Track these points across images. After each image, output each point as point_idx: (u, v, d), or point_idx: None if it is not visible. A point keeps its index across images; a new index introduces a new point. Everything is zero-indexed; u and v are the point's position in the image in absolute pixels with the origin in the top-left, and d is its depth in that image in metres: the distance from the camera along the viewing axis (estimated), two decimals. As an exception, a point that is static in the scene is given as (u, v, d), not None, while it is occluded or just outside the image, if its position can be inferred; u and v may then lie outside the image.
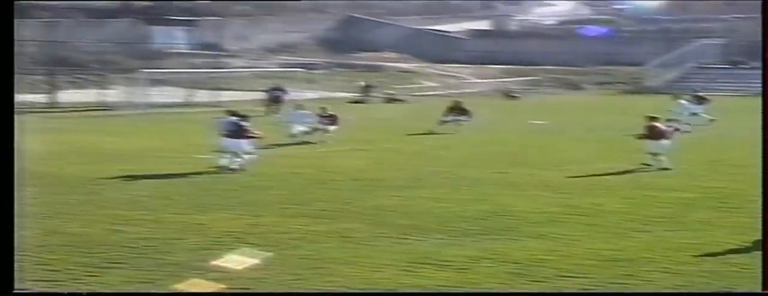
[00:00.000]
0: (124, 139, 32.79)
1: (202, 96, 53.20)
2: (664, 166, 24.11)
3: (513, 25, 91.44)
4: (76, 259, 13.48)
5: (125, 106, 46.92)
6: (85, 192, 19.93)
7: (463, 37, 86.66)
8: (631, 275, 12.94)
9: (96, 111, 47.38)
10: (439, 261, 13.54)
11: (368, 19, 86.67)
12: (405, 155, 28.10)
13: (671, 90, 47.74)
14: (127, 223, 16.34)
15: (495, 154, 28.07)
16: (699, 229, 16.21)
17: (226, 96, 51.38)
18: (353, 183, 21.78)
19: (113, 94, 51.09)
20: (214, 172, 23.10)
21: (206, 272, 12.88)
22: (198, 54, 61.56)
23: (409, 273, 12.96)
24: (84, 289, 12.14)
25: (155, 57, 58.59)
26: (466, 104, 37.79)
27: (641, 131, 25.11)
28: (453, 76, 72.83)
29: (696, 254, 14.19)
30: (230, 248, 14.34)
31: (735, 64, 68.36)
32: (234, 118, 25.01)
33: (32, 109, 47.00)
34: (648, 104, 37.47)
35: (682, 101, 37.72)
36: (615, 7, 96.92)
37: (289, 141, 30.72)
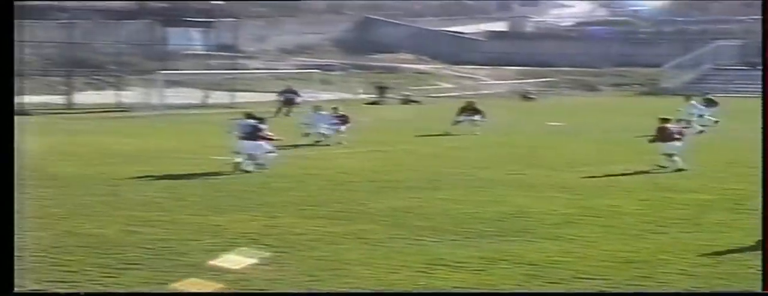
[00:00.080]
0: (140, 140, 32.88)
1: (219, 97, 53.31)
2: (679, 167, 24.07)
3: (529, 27, 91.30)
4: (93, 260, 13.52)
5: (142, 108, 47.05)
6: (102, 193, 19.99)
7: (480, 38, 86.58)
8: (648, 276, 12.91)
9: (113, 112, 47.54)
10: (455, 263, 13.53)
11: (385, 21, 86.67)
12: (421, 156, 28.10)
13: (688, 91, 47.58)
14: (144, 224, 16.37)
15: (511, 156, 28.04)
16: (716, 231, 16.16)
17: (242, 97, 51.52)
18: (369, 184, 21.79)
19: (130, 96, 51.25)
20: (231, 174, 23.13)
21: (222, 273, 12.90)
22: (215, 55, 61.59)
23: (425, 274, 12.95)
24: (100, 290, 12.18)
25: (172, 58, 58.68)
26: (479, 104, 37.84)
27: (656, 133, 25.10)
28: (469, 78, 72.76)
29: (713, 256, 14.15)
30: (246, 249, 14.36)
31: (752, 65, 68.11)
32: (251, 120, 25.08)
33: (50, 110, 47.24)
34: (664, 106, 37.38)
35: (694, 102, 37.87)
36: (631, 8, 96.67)
37: (305, 142, 30.74)
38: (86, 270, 12.92)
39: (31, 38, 54.24)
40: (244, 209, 18.13)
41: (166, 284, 12.40)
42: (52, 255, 13.77)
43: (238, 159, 23.75)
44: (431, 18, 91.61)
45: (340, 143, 30.96)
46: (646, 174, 23.56)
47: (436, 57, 79.63)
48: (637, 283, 12.63)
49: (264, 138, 24.32)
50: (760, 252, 14.09)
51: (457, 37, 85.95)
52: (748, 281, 12.64)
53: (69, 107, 49.65)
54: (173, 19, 62.54)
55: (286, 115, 43.53)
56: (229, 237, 15.32)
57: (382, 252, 14.30)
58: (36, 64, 55.77)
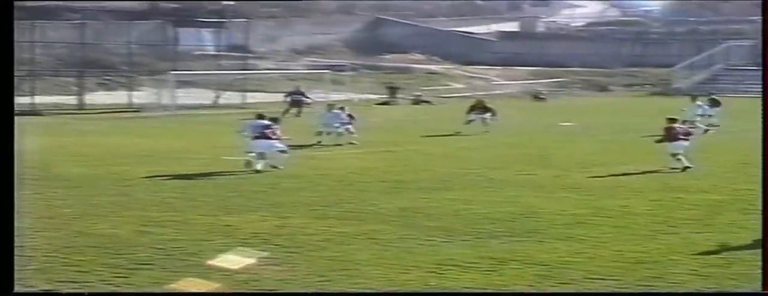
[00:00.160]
0: (152, 140, 32.95)
1: (230, 98, 53.37)
2: (685, 165, 24.07)
3: (540, 27, 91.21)
4: (104, 260, 13.55)
5: (153, 108, 47.14)
6: (114, 194, 20.04)
7: (491, 38, 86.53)
8: (659, 277, 12.90)
9: (124, 113, 47.63)
10: (466, 263, 13.53)
11: (395, 21, 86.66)
12: (432, 156, 28.10)
13: (698, 92, 47.55)
14: (156, 225, 16.41)
15: (522, 156, 28.02)
16: (727, 232, 16.13)
17: (253, 98, 51.58)
18: (380, 184, 21.81)
19: (141, 96, 51.34)
20: (241, 174, 23.18)
21: (233, 273, 12.92)
22: (226, 56, 61.67)
23: (436, 274, 12.95)
24: (111, 290, 12.21)
25: (183, 59, 58.77)
26: (489, 103, 37.89)
27: (663, 133, 25.15)
28: (480, 78, 72.72)
29: (724, 256, 14.13)
30: (258, 249, 14.38)
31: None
32: (264, 120, 25.17)
33: (61, 110, 47.36)
34: (676, 106, 37.35)
35: (699, 103, 38.04)
36: (643, 8, 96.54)
37: (314, 143, 30.76)
38: (98, 271, 12.95)
39: (43, 39, 54.43)
40: (254, 209, 18.16)
41: (178, 284, 12.43)
42: (63, 255, 13.81)
43: (251, 159, 23.85)
44: (442, 18, 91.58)
45: (351, 143, 31.00)
46: (657, 175, 23.52)
47: (447, 57, 79.59)
48: (648, 283, 12.62)
49: (277, 137, 24.38)
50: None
51: (468, 37, 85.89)
52: (760, 282, 12.61)
53: (80, 107, 49.75)
54: (184, 19, 62.63)
55: (297, 115, 43.55)
56: (240, 238, 15.35)
57: (393, 252, 14.31)
58: (48, 65, 55.93)
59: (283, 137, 24.83)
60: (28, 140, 26.83)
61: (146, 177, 22.57)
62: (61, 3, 62.70)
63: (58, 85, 54.10)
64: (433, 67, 75.67)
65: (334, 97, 48.40)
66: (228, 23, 61.76)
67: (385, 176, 23.24)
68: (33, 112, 44.86)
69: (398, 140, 32.76)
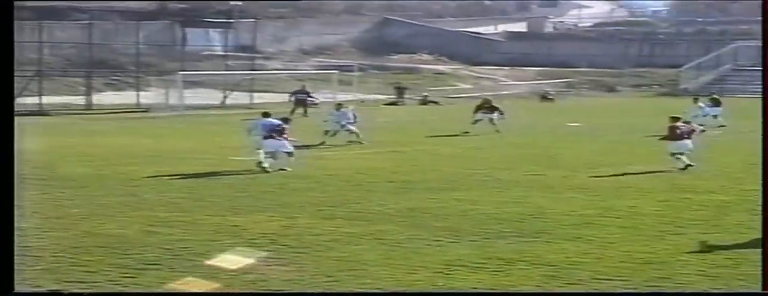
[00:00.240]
0: (159, 140, 32.99)
1: (238, 98, 53.42)
2: (687, 164, 24.09)
3: (548, 27, 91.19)
4: (113, 261, 13.56)
5: (161, 108, 47.19)
6: (121, 194, 20.06)
7: (498, 39, 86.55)
8: (667, 278, 12.88)
9: (132, 113, 47.70)
10: (473, 264, 13.52)
11: (403, 21, 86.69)
12: (439, 157, 28.10)
13: (707, 92, 47.56)
14: (163, 225, 16.42)
15: (530, 156, 28.01)
16: (735, 232, 16.11)
17: (261, 98, 51.60)
18: (387, 185, 21.81)
19: (149, 96, 51.42)
20: (249, 174, 23.21)
21: (240, 273, 12.93)
22: (233, 56, 61.75)
23: (443, 275, 12.95)
24: (119, 290, 12.23)
25: (191, 59, 58.86)
26: (498, 104, 37.86)
27: (667, 131, 25.18)
28: (488, 78, 72.74)
29: (732, 257, 14.10)
30: (265, 249, 14.39)
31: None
32: (274, 120, 25.21)
33: (70, 110, 47.44)
34: (683, 106, 37.35)
35: (701, 104, 38.14)
36: (651, 8, 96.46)
37: (320, 143, 30.76)
38: (105, 271, 12.96)
39: (51, 39, 54.55)
40: (262, 209, 18.17)
41: (186, 284, 12.43)
42: (71, 255, 13.83)
43: (261, 159, 23.91)
44: (450, 18, 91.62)
45: (356, 142, 31.04)
46: (665, 175, 23.49)
47: (454, 57, 79.63)
48: (656, 284, 12.60)
49: (286, 138, 24.40)
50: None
51: (476, 37, 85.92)
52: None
53: (88, 108, 49.86)
54: (192, 19, 62.76)
55: (304, 115, 43.55)
56: (247, 238, 15.36)
57: (400, 252, 14.31)
58: (56, 65, 56.04)
59: (290, 139, 24.84)
60: (37, 140, 26.92)
61: (154, 178, 22.60)
62: (69, 3, 62.80)
63: (67, 86, 54.23)
64: (440, 68, 75.71)
65: (342, 97, 48.41)
66: (236, 23, 61.85)
67: (393, 176, 23.24)
68: (41, 112, 44.98)
69: (406, 140, 32.77)
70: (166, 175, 22.93)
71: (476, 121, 36.21)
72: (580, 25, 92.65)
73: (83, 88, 52.28)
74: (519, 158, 27.59)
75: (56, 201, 18.80)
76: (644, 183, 22.16)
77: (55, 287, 12.08)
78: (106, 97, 52.99)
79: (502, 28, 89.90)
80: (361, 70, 66.78)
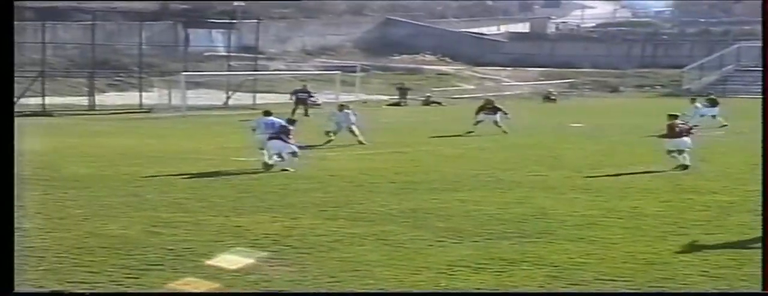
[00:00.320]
0: (162, 141, 33.00)
1: (241, 98, 53.46)
2: (684, 164, 24.10)
3: (551, 28, 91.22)
4: (115, 261, 13.56)
5: (164, 109, 47.23)
6: (124, 194, 20.06)
7: (501, 39, 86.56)
8: (670, 278, 12.87)
9: (135, 113, 47.73)
10: (476, 264, 13.52)
11: (406, 22, 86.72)
12: (442, 157, 28.09)
13: (711, 93, 47.55)
14: (166, 225, 16.42)
15: (532, 157, 28.00)
16: (738, 233, 16.09)
17: (264, 98, 51.63)
18: (390, 185, 21.80)
19: (152, 97, 51.45)
20: (252, 174, 23.23)
21: (244, 274, 12.93)
22: (236, 56, 61.81)
23: (446, 275, 12.94)
24: (122, 290, 12.23)
25: (194, 59, 58.91)
26: (501, 105, 37.89)
27: (666, 129, 25.26)
28: (491, 79, 72.78)
29: (735, 258, 14.09)
30: (268, 250, 14.39)
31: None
32: (279, 119, 25.26)
33: (73, 111, 47.47)
34: (686, 107, 37.38)
35: (698, 105, 38.30)
36: (654, 9, 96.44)
37: (323, 143, 30.78)
38: (108, 271, 12.96)
39: (54, 39, 54.61)
40: (265, 210, 18.16)
41: (189, 284, 12.43)
42: (74, 256, 13.83)
43: (265, 158, 23.95)
44: (452, 19, 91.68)
45: (362, 143, 31.04)
46: (668, 176, 23.49)
47: (457, 58, 79.68)
48: (659, 284, 12.59)
49: (290, 138, 24.43)
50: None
51: (479, 38, 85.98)
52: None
53: (91, 108, 49.89)
54: (195, 20, 62.83)
55: (305, 115, 43.53)
56: (250, 238, 15.36)
57: (403, 253, 14.30)
58: (59, 66, 56.10)
59: (292, 142, 24.86)
60: (40, 141, 26.95)
61: (156, 178, 22.61)
62: (72, 4, 62.89)
63: (70, 86, 54.31)
64: (443, 68, 75.76)
65: (344, 98, 48.43)
66: (238, 24, 61.92)
67: (396, 177, 23.23)
68: (44, 113, 45.02)
69: (408, 141, 32.77)
70: (169, 176, 22.95)
71: (478, 122, 36.21)
72: (582, 25, 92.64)
73: (86, 89, 52.32)
74: (522, 159, 27.58)
75: (59, 202, 18.81)
76: (647, 184, 22.15)
77: (57, 287, 12.09)
78: (108, 98, 53.05)
79: (504, 28, 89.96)
80: (363, 70, 66.83)
